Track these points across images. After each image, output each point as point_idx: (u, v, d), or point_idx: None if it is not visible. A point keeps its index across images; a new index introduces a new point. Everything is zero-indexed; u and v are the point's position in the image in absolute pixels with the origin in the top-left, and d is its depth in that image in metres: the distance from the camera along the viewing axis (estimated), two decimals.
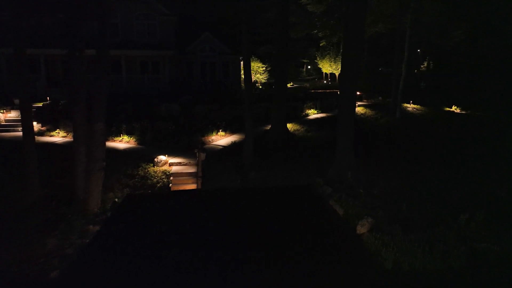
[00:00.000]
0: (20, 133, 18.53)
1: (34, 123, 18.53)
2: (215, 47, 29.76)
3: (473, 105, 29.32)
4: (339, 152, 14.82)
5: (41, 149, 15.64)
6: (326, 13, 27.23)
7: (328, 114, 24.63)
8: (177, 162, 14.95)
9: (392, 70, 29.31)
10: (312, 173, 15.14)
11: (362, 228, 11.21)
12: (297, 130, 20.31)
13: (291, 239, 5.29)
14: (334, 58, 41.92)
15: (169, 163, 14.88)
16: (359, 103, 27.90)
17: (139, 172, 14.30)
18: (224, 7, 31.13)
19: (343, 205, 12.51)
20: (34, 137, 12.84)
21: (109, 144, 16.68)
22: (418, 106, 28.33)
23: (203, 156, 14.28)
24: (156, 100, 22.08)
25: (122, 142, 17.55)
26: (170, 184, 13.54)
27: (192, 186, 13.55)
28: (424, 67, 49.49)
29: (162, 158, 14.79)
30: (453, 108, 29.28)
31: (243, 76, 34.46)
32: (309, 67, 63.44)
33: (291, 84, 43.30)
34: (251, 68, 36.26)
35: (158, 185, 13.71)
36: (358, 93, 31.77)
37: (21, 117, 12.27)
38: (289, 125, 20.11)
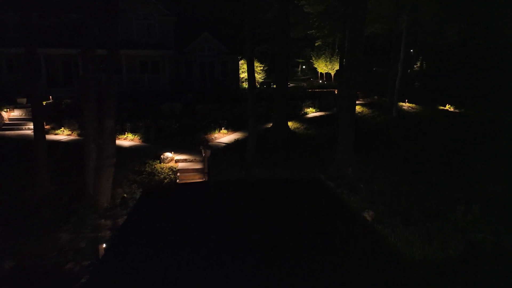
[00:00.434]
0: (24, 132, 18.99)
1: None
2: (214, 47, 30.12)
3: (466, 104, 30.08)
4: (340, 149, 15.30)
5: (47, 147, 15.88)
6: (326, 14, 27.72)
7: (326, 113, 25.14)
8: (182, 159, 15.31)
9: (388, 69, 29.91)
10: (314, 169, 15.60)
11: None
12: (297, 128, 20.79)
13: (312, 225, 5.75)
14: (330, 58, 42.44)
15: (175, 160, 15.24)
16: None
17: (146, 169, 14.63)
18: (222, 8, 31.47)
19: (344, 199, 12.97)
20: (45, 136, 13.13)
21: None
22: (414, 105, 29.00)
23: (208, 153, 14.66)
24: (157, 99, 22.39)
25: (127, 140, 17.85)
26: (177, 180, 13.90)
27: None
28: (417, 67, 50.32)
29: (168, 155, 15.14)
30: (447, 107, 30.01)
31: (241, 76, 35.00)
32: (303, 67, 63.92)
33: (288, 84, 43.79)
34: None
35: (165, 181, 14.06)
36: None
37: (32, 116, 12.56)
38: (289, 123, 20.57)
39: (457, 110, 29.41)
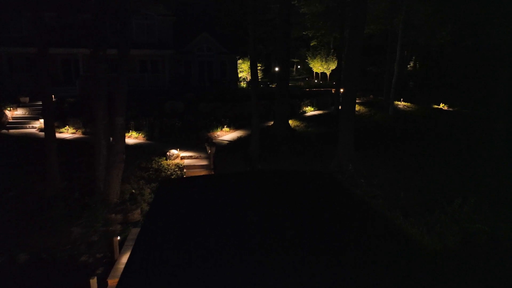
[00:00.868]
0: (28, 130, 19.24)
1: (42, 121, 19.11)
2: (213, 46, 30.52)
3: (459, 102, 30.89)
4: (341, 145, 15.83)
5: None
6: (324, 14, 28.28)
7: (324, 111, 25.71)
8: (188, 156, 15.71)
9: (383, 69, 30.59)
10: (315, 165, 16.11)
11: None
12: (297, 126, 21.30)
13: (330, 212, 6.23)
14: (325, 58, 42.98)
15: (180, 157, 15.63)
16: (341, 102, 29.05)
17: (153, 165, 15.01)
18: (225, 9, 31.89)
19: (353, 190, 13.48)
20: (55, 134, 13.41)
21: None
22: (409, 104, 29.72)
23: (213, 149, 15.09)
24: (158, 98, 22.72)
25: (131, 138, 18.19)
26: (184, 176, 14.29)
27: None
28: (410, 67, 51.23)
29: (174, 152, 15.52)
30: (441, 106, 30.79)
31: (240, 75, 35.44)
32: (299, 66, 64.54)
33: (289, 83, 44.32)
34: (248, 66, 37.19)
35: (172, 177, 14.44)
36: None
37: (43, 114, 12.86)
38: (289, 121, 21.07)
39: (450, 109, 30.20)
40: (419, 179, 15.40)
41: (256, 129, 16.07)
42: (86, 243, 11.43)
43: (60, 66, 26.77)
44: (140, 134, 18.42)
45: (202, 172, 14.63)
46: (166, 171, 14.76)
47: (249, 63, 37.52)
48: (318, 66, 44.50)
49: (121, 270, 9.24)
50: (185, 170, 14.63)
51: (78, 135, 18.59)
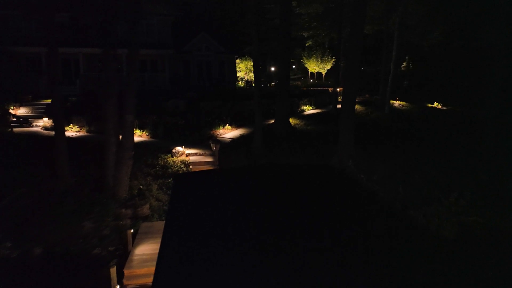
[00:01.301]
0: (32, 128, 19.49)
1: (45, 119, 19.40)
2: (211, 46, 30.91)
3: (452, 101, 31.69)
4: (341, 142, 16.35)
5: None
6: (321, 15, 28.85)
7: (322, 110, 26.25)
8: (193, 153, 16.10)
9: (377, 69, 31.26)
10: (316, 161, 16.63)
11: None
12: (297, 124, 21.81)
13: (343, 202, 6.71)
14: (321, 58, 43.53)
15: (185, 154, 16.02)
16: (341, 101, 29.68)
17: (159, 162, 15.37)
18: (223, 9, 32.30)
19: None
20: (65, 131, 13.72)
21: None
22: (404, 103, 30.43)
23: (218, 146, 15.51)
24: (158, 97, 23.07)
25: (136, 136, 18.41)
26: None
27: None
28: (404, 67, 52.10)
29: (179, 149, 15.91)
30: (435, 104, 31.57)
31: (238, 74, 35.87)
32: (293, 66, 65.09)
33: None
34: (245, 66, 37.66)
35: (179, 173, 14.82)
36: None
37: (53, 113, 13.19)
38: (289, 120, 21.55)
39: (444, 108, 30.98)
40: (416, 174, 15.97)
41: (259, 127, 16.53)
42: (98, 237, 11.76)
43: (60, 66, 26.91)
44: (144, 132, 18.75)
45: (208, 168, 15.03)
46: (172, 167, 15.13)
47: (246, 63, 38.11)
48: (314, 66, 45.00)
49: (136, 261, 9.70)
50: (191, 167, 15.02)
51: (82, 133, 18.86)
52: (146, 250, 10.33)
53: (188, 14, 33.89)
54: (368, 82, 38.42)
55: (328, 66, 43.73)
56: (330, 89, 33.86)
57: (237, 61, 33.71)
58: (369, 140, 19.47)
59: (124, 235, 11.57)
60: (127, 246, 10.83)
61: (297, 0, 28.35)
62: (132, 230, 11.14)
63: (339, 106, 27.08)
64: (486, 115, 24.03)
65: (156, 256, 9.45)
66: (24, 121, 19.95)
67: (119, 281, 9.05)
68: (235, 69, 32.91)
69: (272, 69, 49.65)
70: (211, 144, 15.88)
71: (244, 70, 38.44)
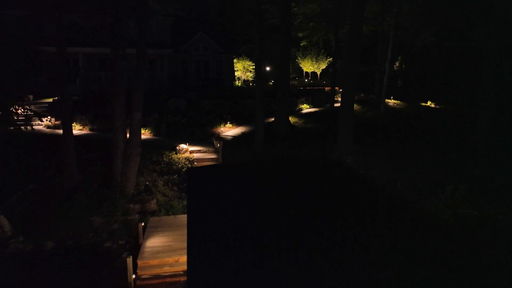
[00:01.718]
0: (34, 127, 19.58)
1: (49, 118, 19.56)
2: (209, 46, 31.24)
3: (445, 100, 32.49)
4: (340, 139, 16.87)
5: (63, 140, 16.68)
6: (320, 16, 29.38)
7: (319, 109, 26.79)
8: (196, 150, 16.48)
9: (371, 69, 31.90)
10: (316, 157, 17.10)
11: None
12: (296, 122, 22.29)
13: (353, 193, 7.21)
14: (316, 58, 44.08)
15: (189, 151, 16.39)
16: (341, 99, 30.31)
17: (164, 159, 15.73)
18: (218, 7, 32.61)
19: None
20: (72, 130, 13.98)
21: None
22: (398, 102, 31.13)
23: (221, 144, 15.92)
24: (158, 96, 23.35)
25: None
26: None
27: None
28: (396, 67, 52.94)
29: (183, 146, 16.27)
30: (429, 103, 32.34)
31: (235, 74, 36.22)
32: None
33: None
34: (243, 66, 38.02)
35: (183, 169, 15.20)
36: (342, 90, 34.28)
37: (61, 112, 13.45)
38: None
39: (437, 106, 31.76)
40: (413, 170, 16.55)
41: (261, 125, 16.97)
42: (108, 231, 12.09)
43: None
44: (146, 130, 19.05)
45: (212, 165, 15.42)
46: (177, 164, 15.50)
47: (244, 63, 38.50)
48: (309, 66, 45.51)
49: (147, 252, 10.07)
50: (195, 163, 15.40)
51: (85, 131, 19.10)
52: (157, 242, 10.71)
53: (186, 14, 34.17)
54: (363, 81, 39.09)
55: (323, 65, 44.31)
56: (326, 88, 34.44)
57: (234, 60, 34.09)
58: (367, 138, 20.01)
59: (135, 228, 11.94)
60: (139, 238, 11.19)
61: (294, 1, 28.85)
62: (143, 223, 11.50)
63: (336, 105, 27.72)
64: (478, 113, 24.78)
65: (167, 248, 9.99)
66: (26, 119, 20.09)
67: (133, 272, 9.42)
68: (233, 68, 33.28)
69: (267, 68, 50.09)
70: (214, 142, 16.29)
71: (241, 69, 38.84)
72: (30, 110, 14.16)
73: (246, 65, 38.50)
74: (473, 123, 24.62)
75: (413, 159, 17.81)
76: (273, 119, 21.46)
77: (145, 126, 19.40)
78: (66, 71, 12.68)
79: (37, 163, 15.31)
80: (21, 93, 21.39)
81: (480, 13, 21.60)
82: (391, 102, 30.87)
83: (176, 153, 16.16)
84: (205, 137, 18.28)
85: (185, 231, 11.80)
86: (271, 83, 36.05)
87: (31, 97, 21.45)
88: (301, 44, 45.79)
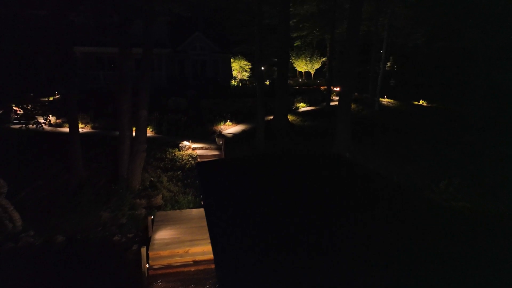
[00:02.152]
0: (34, 125, 19.70)
1: (50, 116, 19.71)
2: (205, 46, 31.56)
3: (437, 99, 33.35)
4: (338, 136, 17.40)
5: (66, 138, 16.92)
6: (317, 16, 29.91)
7: (316, 107, 27.34)
8: (199, 147, 16.86)
9: (368, 68, 32.56)
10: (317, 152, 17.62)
11: None
12: (294, 120, 22.80)
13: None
14: (310, 58, 44.55)
15: (192, 148, 16.76)
16: (338, 97, 30.93)
17: (167, 156, 16.07)
18: (213, 7, 32.90)
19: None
20: (78, 128, 14.20)
21: None
22: (392, 100, 31.86)
23: (223, 141, 16.32)
24: (158, 95, 23.60)
25: None
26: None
27: None
28: (388, 67, 53.82)
29: (186, 143, 16.63)
30: (421, 102, 33.14)
31: (232, 73, 36.58)
32: None
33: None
34: (240, 65, 38.41)
35: (187, 166, 15.57)
36: (337, 89, 34.90)
37: (67, 111, 13.68)
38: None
39: (429, 105, 32.57)
40: (408, 165, 17.18)
41: (261, 123, 17.41)
42: (116, 225, 12.41)
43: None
44: (148, 128, 19.32)
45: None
46: (180, 160, 15.85)
47: (239, 62, 38.87)
48: (303, 66, 45.92)
49: (157, 244, 10.45)
50: (198, 159, 15.77)
51: (87, 129, 19.33)
52: (166, 235, 11.09)
53: (183, 14, 34.42)
54: (357, 81, 39.78)
55: (317, 65, 44.86)
56: (321, 87, 35.01)
57: (231, 60, 34.49)
58: (363, 135, 20.60)
59: (142, 223, 12.29)
60: (148, 231, 11.54)
61: (291, 2, 29.37)
62: (152, 217, 11.86)
63: (332, 103, 28.31)
64: (470, 111, 25.57)
65: (176, 240, 10.47)
66: (26, 118, 20.24)
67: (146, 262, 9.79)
68: (230, 68, 33.64)
69: (262, 68, 50.52)
70: (216, 139, 16.68)
71: (237, 69, 39.19)
72: (35, 108, 14.28)
73: (242, 65, 38.89)
74: (465, 121, 25.45)
75: (408, 155, 18.46)
76: (271, 117, 21.94)
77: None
78: (72, 70, 12.92)
79: (43, 160, 15.53)
80: (23, 91, 21.57)
81: (471, 14, 22.32)
82: (385, 101, 31.58)
83: (179, 150, 16.52)
84: (206, 135, 18.66)
85: (192, 225, 12.32)
86: (267, 82, 36.48)
87: (31, 96, 21.52)
88: (295, 44, 46.25)
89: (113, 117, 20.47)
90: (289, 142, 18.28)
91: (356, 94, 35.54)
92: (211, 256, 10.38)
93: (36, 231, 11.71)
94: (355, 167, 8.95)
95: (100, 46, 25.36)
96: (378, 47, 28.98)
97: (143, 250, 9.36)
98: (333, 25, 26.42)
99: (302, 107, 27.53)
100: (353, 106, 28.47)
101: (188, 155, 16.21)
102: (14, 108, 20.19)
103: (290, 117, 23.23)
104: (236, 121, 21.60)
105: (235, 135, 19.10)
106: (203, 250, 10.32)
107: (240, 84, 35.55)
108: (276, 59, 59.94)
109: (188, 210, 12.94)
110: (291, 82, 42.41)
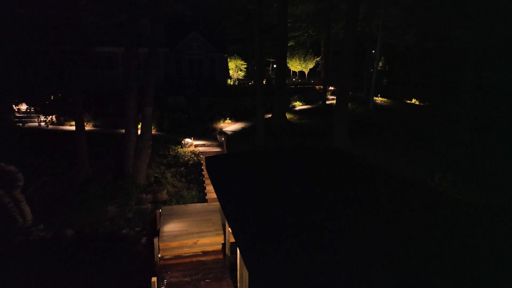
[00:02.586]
0: (35, 124, 19.91)
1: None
2: (202, 45, 31.90)
3: (429, 98, 34.20)
4: (336, 132, 17.95)
5: (68, 136, 17.18)
6: (313, 16, 30.46)
7: (312, 106, 27.89)
8: (201, 144, 17.23)
9: (362, 67, 33.22)
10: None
11: None
12: (292, 118, 23.30)
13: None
14: (304, 57, 45.08)
15: (194, 145, 17.13)
16: (333, 96, 31.57)
17: (170, 153, 16.42)
18: (209, 6, 33.21)
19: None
20: (84, 126, 14.49)
21: None
22: (385, 99, 32.58)
23: (225, 138, 16.73)
24: (157, 94, 23.89)
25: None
26: (202, 161, 15.83)
27: None
28: (380, 66, 54.65)
29: (188, 140, 17.00)
30: (413, 101, 33.93)
31: (230, 72, 36.97)
32: (275, 66, 66.45)
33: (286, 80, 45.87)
34: (236, 65, 38.78)
35: (190, 162, 15.95)
36: (331, 88, 35.52)
37: (74, 110, 13.96)
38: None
39: (422, 104, 33.38)
40: (403, 160, 17.81)
41: (261, 120, 17.86)
42: (124, 219, 12.76)
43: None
44: None
45: None
46: (183, 157, 16.22)
47: (236, 62, 39.21)
48: (297, 65, 46.42)
49: (166, 236, 10.84)
50: (201, 156, 16.16)
51: (89, 127, 19.55)
52: (173, 227, 11.48)
53: (179, 13, 34.67)
54: (351, 80, 40.42)
55: (311, 65, 45.44)
56: (316, 86, 35.60)
57: (227, 59, 34.85)
58: (359, 132, 21.20)
59: (149, 217, 12.66)
60: (156, 224, 11.92)
61: (289, 2, 29.86)
62: (160, 210, 12.24)
63: (328, 102, 28.90)
64: (461, 109, 26.39)
65: (184, 232, 10.98)
66: (27, 117, 20.40)
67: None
68: (227, 67, 34.02)
69: (255, 68, 50.92)
70: (218, 136, 17.07)
71: (233, 68, 39.53)
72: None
73: (238, 64, 39.25)
74: (456, 119, 26.25)
75: (403, 151, 19.11)
76: (269, 115, 22.40)
77: None
78: (77, 69, 13.22)
79: (46, 158, 15.74)
80: (25, 90, 21.68)
81: (462, 15, 23.05)
82: (379, 99, 32.28)
83: (181, 147, 16.88)
84: (207, 132, 19.04)
85: (198, 218, 12.78)
86: (264, 81, 36.98)
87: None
88: (289, 44, 46.74)
89: (114, 115, 20.75)
90: (288, 139, 18.76)
91: (350, 93, 36.21)
92: (219, 246, 10.83)
93: (46, 226, 11.99)
94: (354, 158, 9.51)
95: (100, 46, 25.53)
96: (371, 47, 29.62)
97: (156, 240, 9.74)
98: (329, 25, 26.98)
99: (299, 105, 28.05)
100: (348, 104, 29.14)
101: (190, 152, 16.58)
102: (13, 107, 20.34)
103: (287, 115, 23.72)
104: (235, 119, 22.02)
105: (235, 133, 19.52)
106: (211, 241, 10.74)
107: (237, 83, 35.94)
108: (269, 59, 60.82)
109: (193, 205, 13.35)
110: (287, 81, 42.90)
